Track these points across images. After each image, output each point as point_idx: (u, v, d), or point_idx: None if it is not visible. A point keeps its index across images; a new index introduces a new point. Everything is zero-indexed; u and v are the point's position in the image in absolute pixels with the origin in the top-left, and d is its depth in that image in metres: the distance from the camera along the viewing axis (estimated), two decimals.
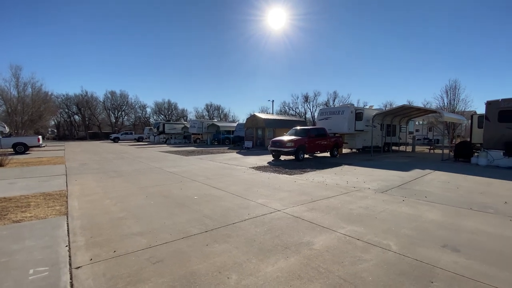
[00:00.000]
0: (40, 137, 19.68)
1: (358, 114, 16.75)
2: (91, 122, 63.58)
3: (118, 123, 66.07)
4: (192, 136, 36.95)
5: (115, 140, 41.01)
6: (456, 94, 21.14)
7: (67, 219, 4.37)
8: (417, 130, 32.58)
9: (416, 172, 9.44)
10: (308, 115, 57.54)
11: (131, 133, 46.50)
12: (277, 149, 13.11)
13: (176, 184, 7.33)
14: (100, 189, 6.69)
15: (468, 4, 64.07)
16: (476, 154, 13.26)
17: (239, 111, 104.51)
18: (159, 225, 4.04)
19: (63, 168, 10.51)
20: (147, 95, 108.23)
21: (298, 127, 15.97)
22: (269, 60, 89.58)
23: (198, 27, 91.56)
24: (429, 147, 21.76)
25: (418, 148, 21.84)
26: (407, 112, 18.09)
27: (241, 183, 7.40)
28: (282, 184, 7.23)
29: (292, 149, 12.64)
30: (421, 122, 32.28)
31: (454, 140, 17.25)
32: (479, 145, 14.87)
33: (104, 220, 4.29)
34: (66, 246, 3.28)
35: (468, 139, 15.72)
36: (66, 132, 61.71)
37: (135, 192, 6.32)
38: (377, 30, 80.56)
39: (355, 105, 19.49)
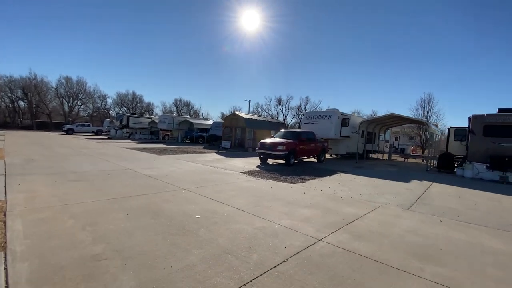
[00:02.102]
0: None
1: (344, 120, 16.43)
2: (39, 110, 55.65)
3: (73, 113, 58.96)
4: (161, 132, 34.18)
5: (69, 132, 36.09)
6: (431, 107, 22.33)
7: (5, 258, 2.72)
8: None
9: (417, 184, 9.05)
10: (280, 118, 57.45)
11: (88, 125, 41.35)
12: (267, 152, 11.98)
13: (163, 193, 5.78)
14: (57, 200, 4.89)
15: (441, 22, 69.39)
16: (456, 164, 13.67)
17: (211, 109, 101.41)
18: (164, 271, 2.63)
19: (1, 166, 8.13)
20: (108, 84, 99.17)
21: (286, 130, 15.08)
22: (243, 61, 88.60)
23: (170, 21, 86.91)
24: (401, 155, 22.58)
25: (392, 156, 22.45)
26: (393, 120, 18.29)
27: (245, 195, 6.12)
28: (294, 197, 6.11)
29: (284, 153, 11.62)
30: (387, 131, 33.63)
31: (426, 151, 17.93)
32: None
33: (70, 262, 2.72)
34: None
35: (445, 151, 16.27)
36: (8, 120, 53.19)
37: (110, 206, 4.67)
38: (347, 39, 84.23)
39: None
